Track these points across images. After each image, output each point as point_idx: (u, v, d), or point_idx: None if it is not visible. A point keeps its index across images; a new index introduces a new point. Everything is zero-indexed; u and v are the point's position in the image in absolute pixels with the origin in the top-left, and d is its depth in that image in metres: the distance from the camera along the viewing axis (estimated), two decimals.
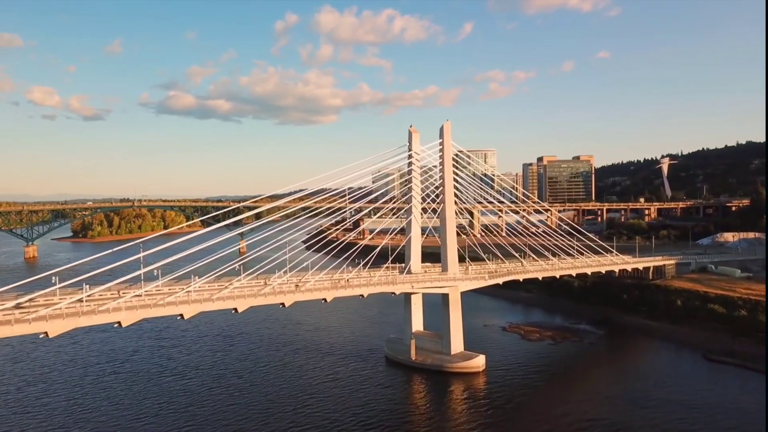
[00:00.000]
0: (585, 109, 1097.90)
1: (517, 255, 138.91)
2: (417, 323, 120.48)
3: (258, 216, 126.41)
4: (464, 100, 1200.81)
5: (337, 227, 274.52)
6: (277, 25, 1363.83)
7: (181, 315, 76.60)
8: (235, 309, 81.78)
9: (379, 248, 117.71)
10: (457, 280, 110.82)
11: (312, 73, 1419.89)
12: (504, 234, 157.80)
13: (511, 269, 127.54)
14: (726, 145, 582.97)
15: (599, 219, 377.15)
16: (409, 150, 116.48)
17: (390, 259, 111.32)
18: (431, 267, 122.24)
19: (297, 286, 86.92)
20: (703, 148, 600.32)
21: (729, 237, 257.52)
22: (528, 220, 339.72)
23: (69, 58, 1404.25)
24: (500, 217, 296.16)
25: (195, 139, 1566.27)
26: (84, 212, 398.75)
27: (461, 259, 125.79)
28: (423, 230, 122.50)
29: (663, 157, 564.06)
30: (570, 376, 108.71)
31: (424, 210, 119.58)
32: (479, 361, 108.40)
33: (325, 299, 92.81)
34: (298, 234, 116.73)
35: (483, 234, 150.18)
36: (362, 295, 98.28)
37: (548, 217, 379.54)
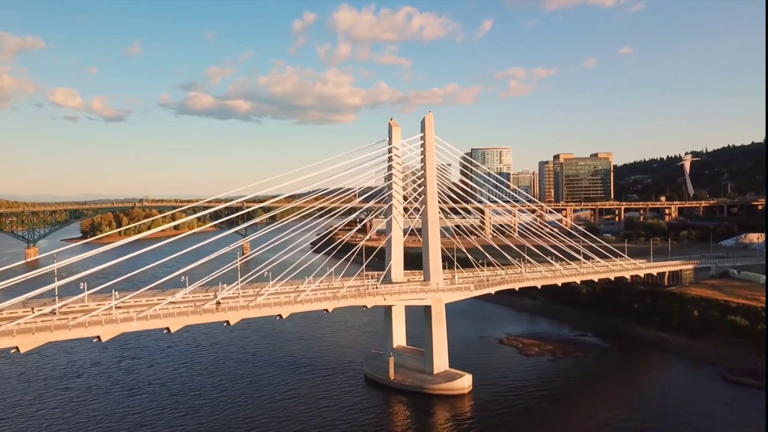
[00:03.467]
0: (607, 106, 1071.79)
1: (514, 260, 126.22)
2: (399, 337, 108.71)
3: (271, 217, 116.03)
4: (484, 97, 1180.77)
5: (346, 228, 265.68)
6: (295, 24, 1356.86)
7: (98, 337, 65.89)
8: (167, 329, 70.93)
9: (357, 248, 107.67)
10: (439, 291, 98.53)
11: (330, 72, 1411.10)
12: (516, 235, 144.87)
13: (506, 277, 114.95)
14: (753, 142, 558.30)
15: (617, 219, 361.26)
16: (389, 145, 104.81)
17: (365, 264, 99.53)
18: (418, 274, 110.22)
19: (219, 303, 75.17)
20: (728, 145, 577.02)
21: (754, 238, 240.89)
22: (541, 221, 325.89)
23: (90, 60, 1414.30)
24: (513, 216, 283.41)
25: (215, 140, 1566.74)
26: (88, 212, 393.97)
27: (453, 265, 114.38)
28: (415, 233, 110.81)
29: (686, 154, 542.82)
30: (567, 399, 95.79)
31: (406, 210, 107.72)
32: (464, 382, 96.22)
33: (280, 315, 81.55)
34: (301, 234, 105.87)
35: (493, 235, 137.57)
36: (326, 310, 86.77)
37: (563, 216, 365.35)
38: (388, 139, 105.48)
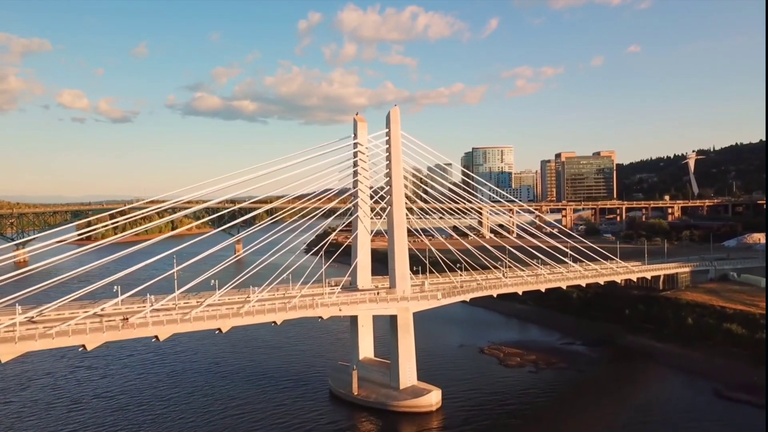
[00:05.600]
0: (614, 105, 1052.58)
1: (496, 264, 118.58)
2: (366, 349, 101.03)
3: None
4: (490, 97, 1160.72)
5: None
6: (300, 25, 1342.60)
7: None
8: (83, 346, 63.74)
9: (324, 244, 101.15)
10: (402, 300, 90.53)
11: (336, 73, 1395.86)
12: (515, 236, 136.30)
13: (483, 283, 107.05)
14: (761, 140, 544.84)
15: (618, 218, 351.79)
16: (354, 140, 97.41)
17: (324, 268, 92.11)
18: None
19: (126, 319, 67.28)
20: (736, 143, 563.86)
21: (759, 238, 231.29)
22: (541, 221, 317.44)
23: (96, 61, 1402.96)
24: (511, 217, 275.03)
25: (221, 141, 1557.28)
26: (89, 213, 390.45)
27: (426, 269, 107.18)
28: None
29: (692, 152, 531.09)
30: (542, 415, 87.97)
31: (372, 208, 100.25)
32: (431, 398, 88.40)
33: (219, 329, 74.12)
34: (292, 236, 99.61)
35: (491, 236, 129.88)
36: (274, 323, 79.30)
37: (563, 216, 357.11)
38: (353, 135, 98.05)
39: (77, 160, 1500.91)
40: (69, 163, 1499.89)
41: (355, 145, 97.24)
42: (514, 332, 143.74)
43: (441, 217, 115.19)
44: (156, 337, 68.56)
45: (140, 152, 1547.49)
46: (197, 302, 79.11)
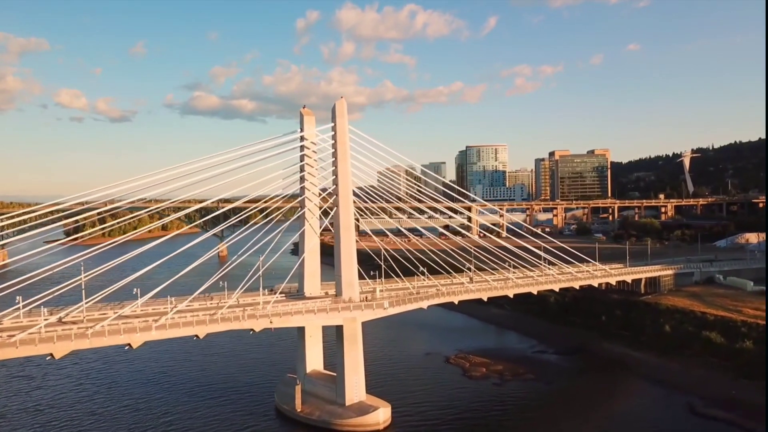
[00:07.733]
0: (613, 103, 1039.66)
1: (465, 267, 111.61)
2: (314, 360, 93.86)
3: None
4: (490, 96, 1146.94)
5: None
6: (298, 23, 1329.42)
7: None
8: None
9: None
10: (344, 309, 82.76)
11: (335, 71, 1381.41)
12: (504, 236, 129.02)
13: (442, 289, 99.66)
14: (760, 138, 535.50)
15: (611, 217, 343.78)
16: (301, 134, 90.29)
17: (262, 270, 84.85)
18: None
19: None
20: (735, 141, 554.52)
21: (752, 237, 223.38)
22: (531, 220, 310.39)
23: (95, 61, 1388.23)
24: (501, 216, 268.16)
25: (220, 140, 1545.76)
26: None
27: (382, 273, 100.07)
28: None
29: (688, 150, 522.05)
30: None
31: (320, 206, 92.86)
32: (378, 416, 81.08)
33: (129, 345, 66.91)
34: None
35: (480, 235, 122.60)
36: (196, 336, 72.13)
37: (554, 215, 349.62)
38: (299, 129, 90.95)
39: (76, 159, 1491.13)
40: (67, 163, 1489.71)
41: (302, 138, 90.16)
42: (488, 339, 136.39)
43: (396, 217, 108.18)
44: (51, 355, 61.42)
45: (139, 152, 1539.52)
46: (113, 312, 71.98)
